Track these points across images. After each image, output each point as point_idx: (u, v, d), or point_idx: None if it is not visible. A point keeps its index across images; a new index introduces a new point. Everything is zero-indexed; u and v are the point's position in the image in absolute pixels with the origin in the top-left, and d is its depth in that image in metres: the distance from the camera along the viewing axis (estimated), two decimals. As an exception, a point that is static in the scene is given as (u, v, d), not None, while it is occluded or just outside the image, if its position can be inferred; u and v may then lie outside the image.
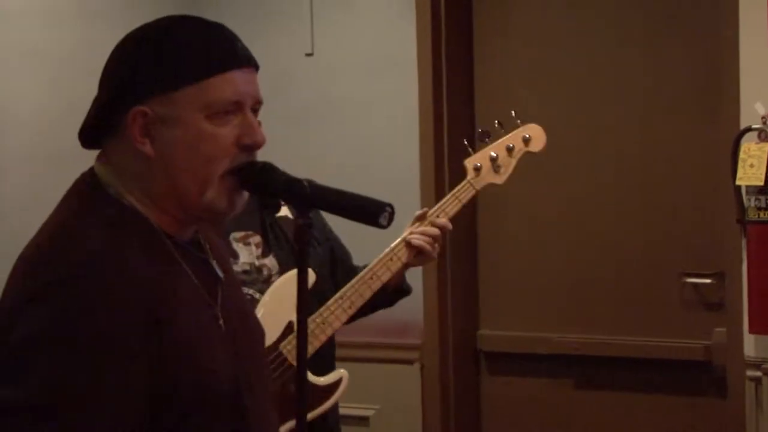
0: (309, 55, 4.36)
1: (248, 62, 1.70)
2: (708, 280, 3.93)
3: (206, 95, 1.63)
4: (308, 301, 1.64)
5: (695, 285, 3.96)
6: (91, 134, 1.71)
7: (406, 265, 2.87)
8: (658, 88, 4.01)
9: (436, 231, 2.84)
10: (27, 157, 3.66)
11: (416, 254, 2.84)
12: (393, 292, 2.93)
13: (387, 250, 2.84)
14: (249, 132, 1.67)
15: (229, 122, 1.66)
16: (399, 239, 2.84)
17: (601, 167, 4.09)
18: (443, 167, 4.16)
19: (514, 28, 4.22)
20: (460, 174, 4.13)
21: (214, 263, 1.77)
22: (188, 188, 1.65)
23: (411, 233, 2.84)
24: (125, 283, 1.57)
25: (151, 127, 1.64)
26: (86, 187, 1.69)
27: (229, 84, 1.65)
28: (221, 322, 1.72)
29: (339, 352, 2.98)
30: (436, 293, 4.13)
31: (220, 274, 1.77)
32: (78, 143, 1.74)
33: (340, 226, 2.96)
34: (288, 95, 4.28)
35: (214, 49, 1.66)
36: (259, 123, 1.72)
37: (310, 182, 1.69)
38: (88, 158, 1.75)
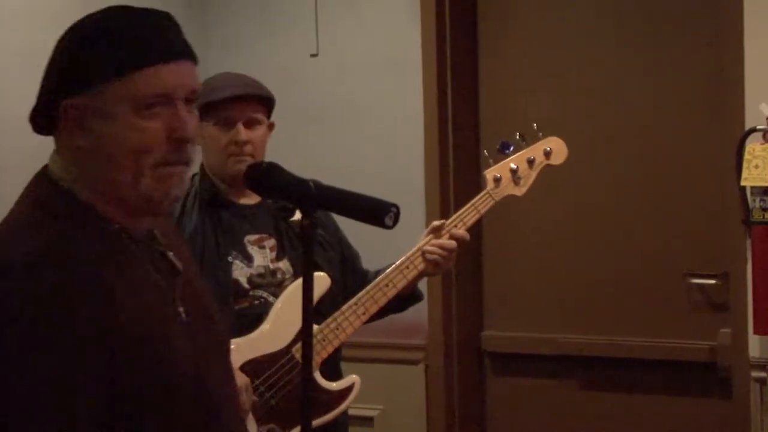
0: (314, 56, 4.34)
1: (180, 55, 1.68)
2: (713, 281, 3.92)
3: (131, 89, 1.63)
4: (313, 302, 1.63)
5: (700, 286, 3.95)
6: (39, 124, 1.72)
7: (421, 274, 2.87)
8: (663, 88, 4.00)
9: (453, 244, 2.84)
10: (27, 158, 3.65)
11: (431, 264, 2.84)
12: (405, 298, 2.93)
13: (403, 258, 2.85)
14: (178, 126, 1.67)
15: (157, 116, 1.65)
16: (415, 248, 2.85)
17: (605, 168, 4.07)
18: (448, 169, 4.16)
19: (520, 30, 4.21)
20: (464, 176, 4.16)
21: (171, 255, 1.77)
22: (121, 179, 1.66)
23: (427, 245, 2.84)
24: (75, 275, 1.58)
25: (85, 119, 1.65)
26: (38, 181, 1.71)
27: (156, 77, 1.64)
28: (181, 311, 1.73)
29: (343, 352, 2.98)
30: (441, 294, 4.12)
31: (179, 266, 1.77)
32: None
33: (348, 227, 2.95)
34: (292, 96, 4.27)
35: (141, 42, 1.65)
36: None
37: (316, 182, 1.70)
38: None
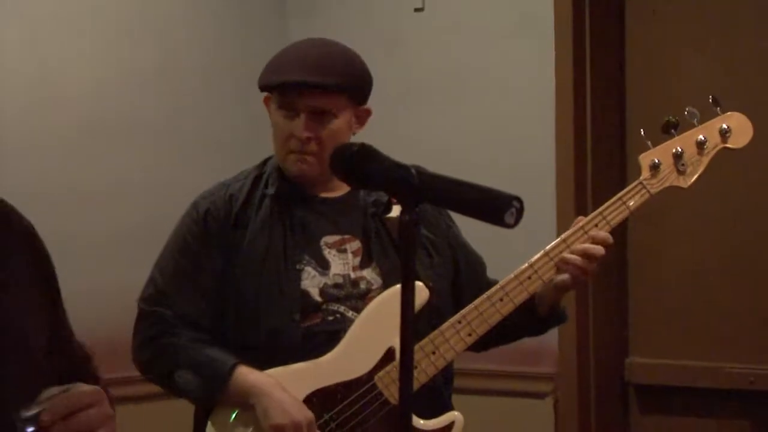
0: (418, 10, 4.36)
1: None
2: None
3: None
4: (414, 321, 1.61)
5: None
6: None
7: (560, 288, 2.79)
8: None
9: (598, 250, 2.75)
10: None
11: (566, 275, 2.76)
12: (543, 318, 2.87)
13: (526, 265, 2.77)
14: None
15: None
16: (541, 252, 2.78)
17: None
18: (585, 153, 4.15)
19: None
20: (607, 162, 4.13)
21: None
22: None
23: (563, 247, 2.76)
24: None
25: None
26: None
27: None
28: None
29: (455, 382, 2.96)
30: (575, 310, 4.06)
31: None
32: None
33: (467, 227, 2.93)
34: (391, 61, 4.27)
35: None
36: None
37: (419, 169, 1.70)
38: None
